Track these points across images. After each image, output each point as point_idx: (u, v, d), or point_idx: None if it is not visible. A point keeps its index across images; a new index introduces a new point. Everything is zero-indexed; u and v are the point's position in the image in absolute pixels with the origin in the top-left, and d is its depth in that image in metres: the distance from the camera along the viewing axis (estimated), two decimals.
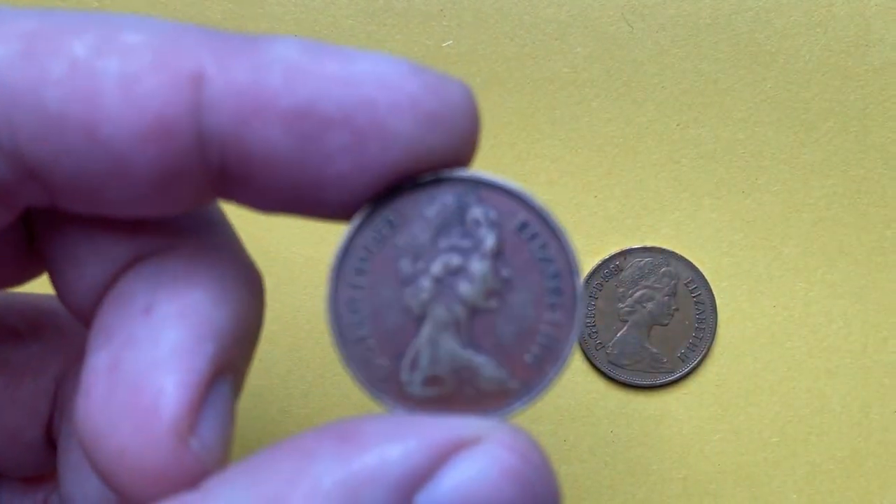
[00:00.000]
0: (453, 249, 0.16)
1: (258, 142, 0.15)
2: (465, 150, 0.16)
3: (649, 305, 0.32)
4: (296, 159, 0.15)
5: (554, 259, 0.16)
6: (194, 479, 0.15)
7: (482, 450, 0.14)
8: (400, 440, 0.14)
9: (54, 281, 0.18)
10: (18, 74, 0.14)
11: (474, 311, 0.16)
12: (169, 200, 0.15)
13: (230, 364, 0.16)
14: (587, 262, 0.32)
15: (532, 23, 0.33)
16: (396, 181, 0.15)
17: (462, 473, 0.14)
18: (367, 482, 0.14)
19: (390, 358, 0.16)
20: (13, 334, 0.20)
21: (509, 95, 0.33)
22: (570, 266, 0.16)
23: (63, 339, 0.20)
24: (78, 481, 0.18)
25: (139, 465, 0.15)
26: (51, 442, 0.20)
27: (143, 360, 0.15)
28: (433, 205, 0.16)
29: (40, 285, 0.20)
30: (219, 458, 0.16)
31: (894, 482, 0.32)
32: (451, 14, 0.33)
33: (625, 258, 0.32)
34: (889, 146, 0.33)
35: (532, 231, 0.16)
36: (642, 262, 0.32)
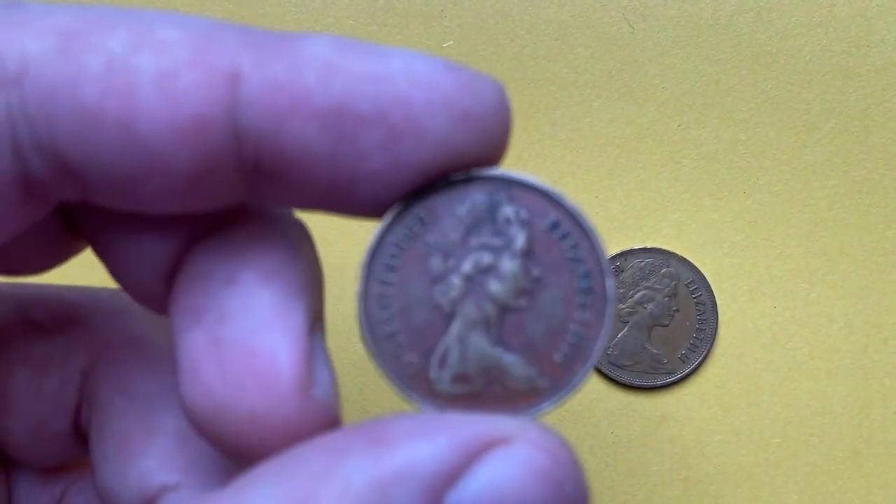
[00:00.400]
0: (484, 248, 0.16)
1: (293, 139, 0.15)
2: (496, 148, 0.16)
3: (650, 306, 0.32)
4: (330, 157, 0.15)
5: (584, 259, 0.16)
6: (324, 425, 0.16)
7: (513, 449, 0.14)
8: (430, 439, 0.14)
9: (111, 268, 0.18)
10: (55, 70, 0.14)
11: (504, 309, 0.16)
12: (203, 197, 0.15)
13: (318, 313, 0.17)
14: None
15: (533, 23, 0.33)
16: (429, 179, 0.15)
17: (492, 473, 0.14)
18: (397, 481, 0.14)
19: (419, 355, 0.16)
20: (37, 327, 0.20)
21: (511, 95, 0.33)
22: (601, 266, 0.16)
23: (88, 330, 0.20)
24: (116, 472, 0.18)
25: (272, 425, 0.15)
26: (77, 433, 0.20)
27: (245, 328, 0.16)
28: (464, 203, 0.16)
29: (66, 277, 0.20)
30: (337, 401, 0.16)
31: (894, 482, 0.32)
32: (452, 14, 0.33)
33: (625, 259, 0.32)
34: (890, 147, 0.33)
35: (563, 231, 0.16)
36: (643, 263, 0.32)
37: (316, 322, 0.17)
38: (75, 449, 0.20)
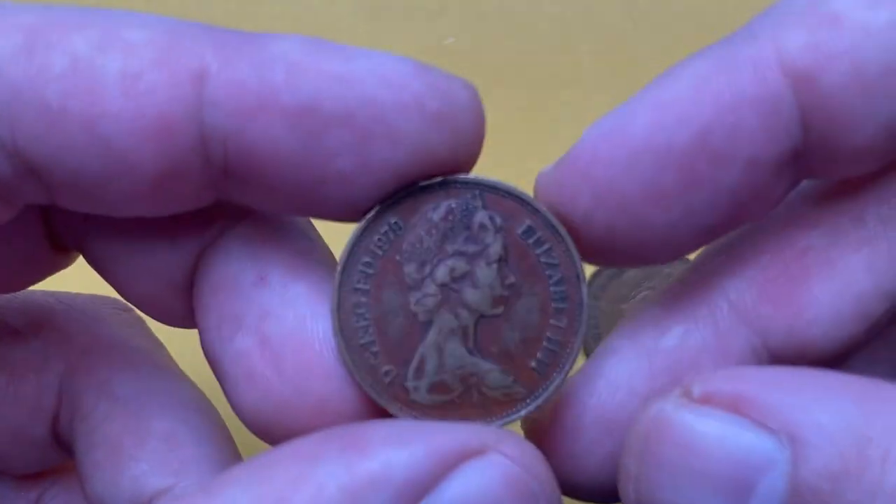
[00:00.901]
0: (459, 255, 0.16)
1: (260, 138, 0.15)
2: (470, 150, 0.16)
3: None
4: (299, 157, 0.15)
5: (559, 264, 0.16)
6: (375, 407, 0.16)
7: (488, 460, 0.14)
8: (405, 446, 0.14)
9: (118, 284, 0.18)
10: (19, 69, 0.14)
11: (480, 317, 0.16)
12: (170, 198, 0.15)
13: None
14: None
15: (535, 20, 0.33)
16: (402, 184, 0.15)
17: (467, 482, 0.14)
18: (370, 487, 0.14)
19: (396, 364, 0.16)
20: (13, 332, 0.20)
21: (511, 93, 0.33)
22: (575, 271, 0.16)
23: (65, 336, 0.20)
24: (108, 479, 0.18)
25: (338, 409, 0.16)
26: (56, 439, 0.20)
27: (290, 322, 0.16)
28: (439, 209, 0.16)
29: (43, 282, 0.20)
30: None
31: None
32: (453, 11, 0.33)
33: None
34: None
35: (537, 236, 0.16)
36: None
37: None
38: (54, 455, 0.20)
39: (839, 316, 0.16)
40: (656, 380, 0.17)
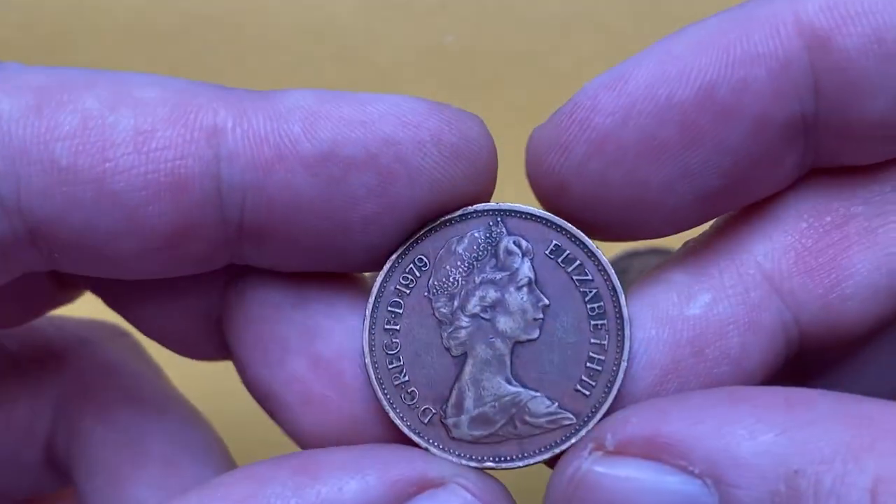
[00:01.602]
0: (488, 283, 0.16)
1: (280, 189, 0.14)
2: (486, 181, 0.16)
3: None
4: (321, 205, 0.15)
5: (592, 280, 0.16)
6: None
7: (446, 492, 0.14)
8: (358, 473, 0.14)
9: (147, 328, 0.18)
10: (28, 128, 0.14)
11: (516, 344, 0.16)
12: (181, 259, 0.15)
13: None
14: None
15: (536, 18, 0.33)
16: (422, 221, 0.15)
17: None
18: None
19: (433, 402, 0.16)
20: (5, 357, 0.20)
21: (512, 92, 0.33)
22: (611, 285, 0.16)
23: (61, 361, 0.20)
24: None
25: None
26: (51, 464, 0.20)
27: (338, 340, 0.16)
28: (463, 240, 0.16)
29: None
30: None
31: None
32: (453, 9, 0.33)
33: (630, 260, 0.32)
34: None
35: (566, 254, 0.16)
36: (648, 264, 0.32)
37: None
38: (49, 481, 0.20)
39: (875, 289, 0.16)
40: (678, 351, 0.16)
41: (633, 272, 0.32)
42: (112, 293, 0.18)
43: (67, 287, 0.18)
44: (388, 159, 0.15)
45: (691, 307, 0.16)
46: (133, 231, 0.15)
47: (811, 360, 0.17)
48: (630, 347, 0.15)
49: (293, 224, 0.15)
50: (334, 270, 0.16)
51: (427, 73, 0.33)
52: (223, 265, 0.16)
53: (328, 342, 0.16)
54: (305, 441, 0.16)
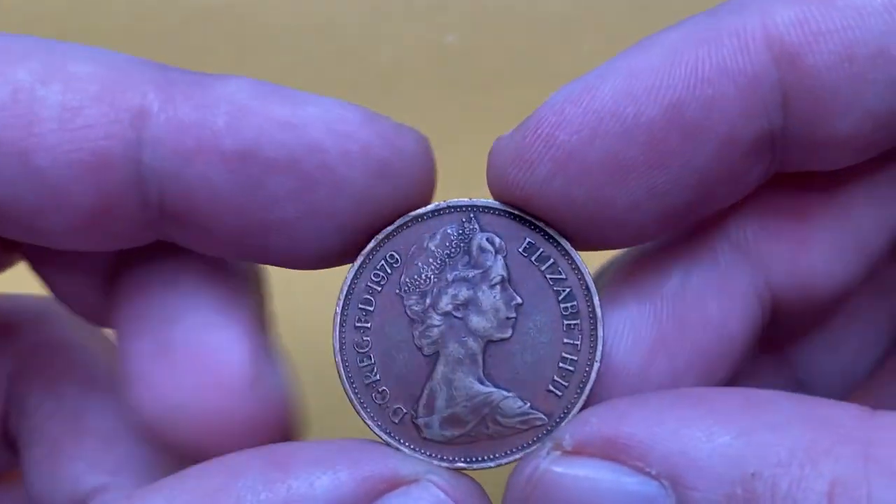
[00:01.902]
0: (460, 281, 0.15)
1: (199, 182, 0.14)
2: (418, 199, 0.15)
3: None
4: (238, 203, 0.14)
5: (566, 278, 0.16)
6: (275, 423, 0.16)
7: (418, 489, 0.14)
8: (330, 469, 0.14)
9: (47, 281, 0.18)
10: None
11: (488, 343, 0.16)
12: (106, 236, 0.15)
13: (264, 310, 0.17)
14: (591, 263, 0.31)
15: (537, 17, 0.33)
16: (345, 231, 0.15)
17: None
18: None
19: (404, 401, 0.16)
20: None
21: (513, 92, 0.33)
22: (584, 284, 0.15)
23: (14, 337, 0.20)
24: (47, 477, 0.18)
25: (224, 423, 0.15)
26: (6, 441, 0.20)
27: (189, 328, 0.16)
28: (434, 237, 0.16)
29: None
30: (288, 399, 0.16)
31: None
32: (454, 8, 0.33)
33: None
34: None
35: (539, 252, 0.16)
36: None
37: (263, 320, 0.17)
38: (5, 457, 0.20)
39: (841, 249, 0.16)
40: (662, 327, 0.16)
41: None
42: (30, 253, 0.18)
43: (5, 249, 0.18)
44: (311, 166, 0.14)
45: (667, 281, 0.16)
46: (56, 208, 0.14)
47: (789, 327, 0.17)
48: (602, 348, 0.15)
49: (211, 216, 0.15)
50: (261, 263, 0.16)
51: (427, 73, 0.33)
52: (150, 242, 0.16)
53: (179, 332, 0.16)
54: (137, 417, 0.16)
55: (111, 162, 0.14)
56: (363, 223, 0.15)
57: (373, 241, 0.15)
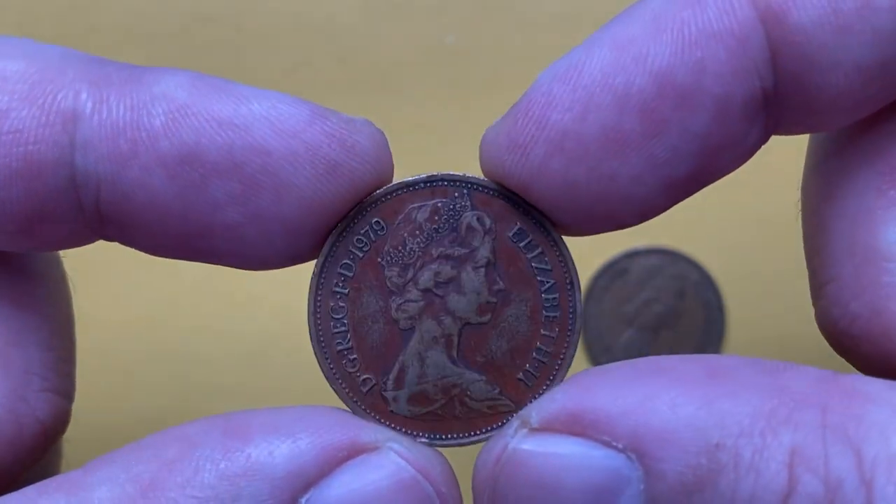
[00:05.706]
0: (445, 258, 0.15)
1: (136, 186, 0.14)
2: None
3: (656, 308, 0.32)
4: (179, 207, 0.14)
5: (551, 270, 0.15)
6: (35, 449, 0.15)
7: (378, 457, 0.14)
8: (290, 437, 0.14)
9: None
10: None
11: (466, 324, 0.15)
12: (45, 238, 0.15)
13: (49, 325, 0.16)
14: (592, 263, 0.31)
15: (537, 18, 0.33)
16: (293, 237, 0.15)
17: (354, 480, 0.14)
18: (247, 475, 0.13)
19: (375, 372, 0.15)
20: None
21: (513, 92, 0.33)
22: (569, 279, 0.15)
23: None
24: None
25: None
26: None
27: None
28: (424, 209, 0.15)
29: None
30: (56, 426, 0.16)
31: None
32: (454, 9, 0.33)
33: (631, 259, 0.32)
34: None
35: (528, 239, 0.15)
36: (649, 264, 0.32)
37: (43, 358, 0.16)
38: None
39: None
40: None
41: (633, 272, 0.32)
42: None
43: None
44: (254, 170, 0.14)
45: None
46: None
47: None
48: (576, 343, 0.15)
49: (151, 220, 0.14)
50: (213, 263, 0.16)
51: (427, 73, 0.33)
52: (92, 242, 0.15)
53: None
54: None
55: (41, 168, 0.14)
56: (313, 225, 0.15)
57: (357, 206, 0.15)
